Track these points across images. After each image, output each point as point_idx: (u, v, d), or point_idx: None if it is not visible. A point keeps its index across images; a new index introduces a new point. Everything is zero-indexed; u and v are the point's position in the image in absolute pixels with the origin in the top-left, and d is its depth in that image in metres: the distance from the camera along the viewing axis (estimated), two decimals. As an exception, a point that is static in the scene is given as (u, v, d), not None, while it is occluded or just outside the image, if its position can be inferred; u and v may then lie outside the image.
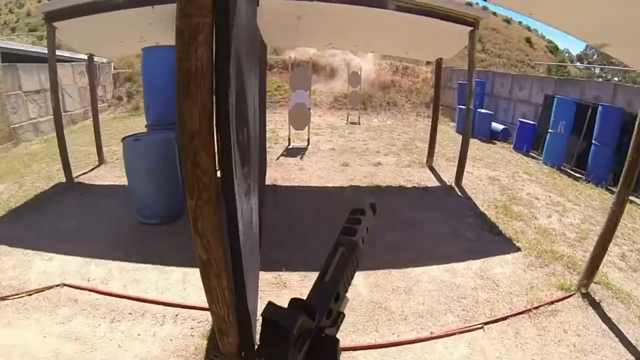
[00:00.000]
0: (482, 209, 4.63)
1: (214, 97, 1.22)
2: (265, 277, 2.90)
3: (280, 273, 3.02)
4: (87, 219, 3.99)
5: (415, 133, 9.20)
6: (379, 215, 0.48)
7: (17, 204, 4.49)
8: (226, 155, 1.28)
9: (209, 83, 1.17)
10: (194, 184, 1.21)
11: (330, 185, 5.36)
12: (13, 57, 8.65)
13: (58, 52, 10.97)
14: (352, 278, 0.39)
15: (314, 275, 0.40)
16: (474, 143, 7.24)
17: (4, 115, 7.79)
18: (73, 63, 10.40)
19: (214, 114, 1.22)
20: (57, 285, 2.83)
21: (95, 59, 6.87)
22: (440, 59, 6.00)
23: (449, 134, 9.26)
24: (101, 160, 6.24)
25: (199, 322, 2.51)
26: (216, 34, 1.17)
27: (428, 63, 12.12)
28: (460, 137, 5.66)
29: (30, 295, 2.72)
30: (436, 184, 5.60)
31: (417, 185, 5.44)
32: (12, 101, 8.10)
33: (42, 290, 2.77)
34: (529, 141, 7.90)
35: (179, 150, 3.93)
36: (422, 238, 3.81)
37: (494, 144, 8.65)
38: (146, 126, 4.54)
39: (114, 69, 12.92)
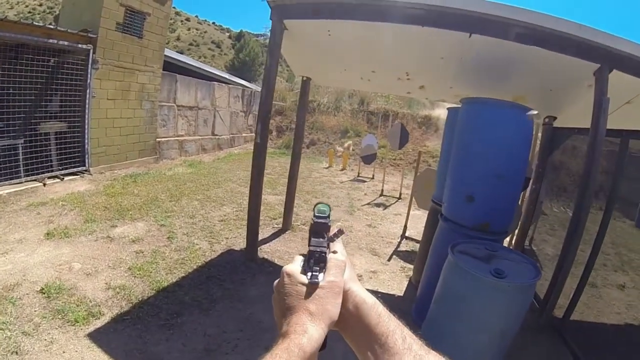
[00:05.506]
0: None
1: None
2: None
3: None
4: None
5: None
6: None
7: (170, 274, 2.90)
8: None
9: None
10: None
11: None
12: (173, 67, 8.19)
13: (215, 71, 10.74)
14: None
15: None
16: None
17: (152, 126, 7.10)
18: (230, 85, 9.89)
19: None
20: None
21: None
22: None
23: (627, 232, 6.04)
24: (287, 223, 4.43)
25: None
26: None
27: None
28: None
29: None
30: None
31: None
32: (163, 112, 7.48)
33: None
34: None
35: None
36: None
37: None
38: (440, 216, 2.81)
39: (268, 99, 12.35)
